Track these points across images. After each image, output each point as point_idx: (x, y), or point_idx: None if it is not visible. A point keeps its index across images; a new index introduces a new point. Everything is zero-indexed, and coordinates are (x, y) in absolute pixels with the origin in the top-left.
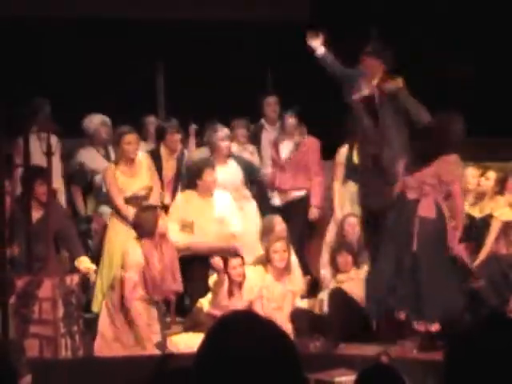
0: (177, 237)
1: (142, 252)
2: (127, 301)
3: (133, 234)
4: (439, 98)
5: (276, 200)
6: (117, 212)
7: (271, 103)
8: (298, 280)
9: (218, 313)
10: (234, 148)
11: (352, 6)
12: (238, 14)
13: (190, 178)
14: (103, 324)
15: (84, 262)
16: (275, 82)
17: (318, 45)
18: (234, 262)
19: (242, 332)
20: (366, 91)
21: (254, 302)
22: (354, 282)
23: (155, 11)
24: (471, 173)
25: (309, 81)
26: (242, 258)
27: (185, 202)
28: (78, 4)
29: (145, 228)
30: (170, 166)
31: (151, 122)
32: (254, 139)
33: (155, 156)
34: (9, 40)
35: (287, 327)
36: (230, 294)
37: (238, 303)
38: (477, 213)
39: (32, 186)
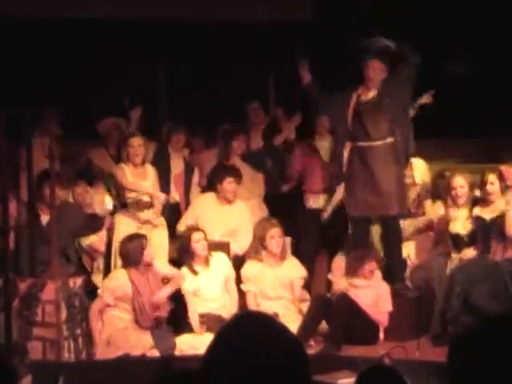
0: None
1: (129, 279)
2: (92, 315)
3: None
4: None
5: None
6: (132, 207)
7: (255, 108)
8: (296, 266)
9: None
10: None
11: (352, 8)
12: (240, 15)
13: (212, 180)
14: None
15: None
16: (277, 84)
17: (307, 73)
18: (196, 235)
19: (252, 333)
20: None
21: (246, 296)
22: (369, 289)
23: (156, 13)
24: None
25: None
26: (204, 232)
27: (202, 205)
28: (79, 6)
29: (131, 257)
30: (176, 164)
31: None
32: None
33: (163, 153)
34: (11, 42)
35: (289, 314)
36: (194, 271)
37: (208, 280)
38: (487, 214)
39: (41, 189)
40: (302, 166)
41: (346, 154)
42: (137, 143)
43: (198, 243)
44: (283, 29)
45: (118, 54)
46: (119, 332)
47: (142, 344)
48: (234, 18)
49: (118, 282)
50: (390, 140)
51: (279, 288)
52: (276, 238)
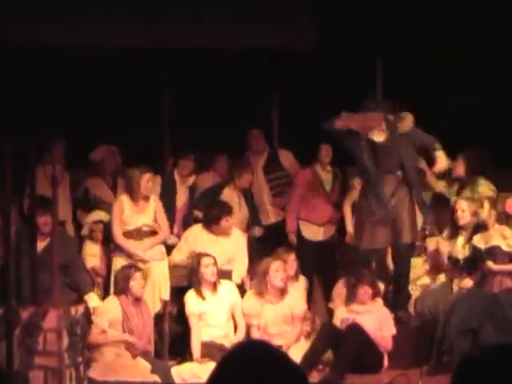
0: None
1: (120, 306)
2: (92, 342)
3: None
4: (444, 127)
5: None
6: (113, 241)
7: (256, 136)
8: (297, 302)
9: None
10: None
11: (358, 35)
12: (244, 42)
13: (207, 219)
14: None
15: (93, 299)
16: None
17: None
18: (206, 260)
19: (254, 363)
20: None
21: (250, 329)
22: (369, 315)
23: (158, 40)
24: (463, 205)
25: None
26: (214, 258)
27: (196, 236)
28: (82, 34)
29: (118, 285)
30: (182, 193)
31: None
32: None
33: (169, 181)
34: (12, 69)
35: (294, 353)
36: (202, 296)
37: (215, 306)
38: (482, 244)
39: (34, 215)
40: (302, 195)
41: (358, 187)
42: (147, 179)
43: (207, 268)
44: (286, 56)
45: (120, 81)
46: (113, 361)
47: (141, 370)
48: (237, 44)
49: (108, 306)
50: (400, 173)
51: (281, 324)
52: (280, 271)
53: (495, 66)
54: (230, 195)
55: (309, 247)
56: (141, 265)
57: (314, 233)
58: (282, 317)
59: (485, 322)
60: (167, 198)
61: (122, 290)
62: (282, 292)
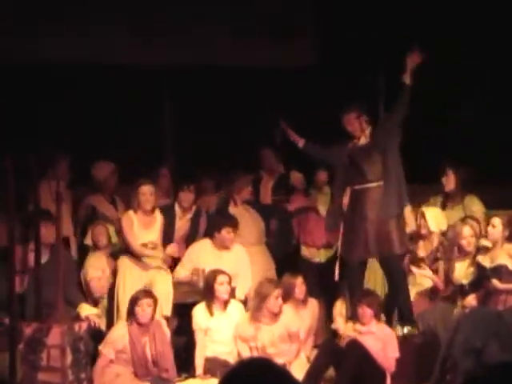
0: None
1: (128, 334)
2: (97, 373)
3: (145, 278)
4: (440, 141)
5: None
6: (135, 255)
7: (267, 155)
8: (292, 320)
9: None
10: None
11: (357, 51)
12: (246, 58)
13: (209, 228)
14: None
15: (85, 309)
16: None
17: (296, 137)
18: (221, 277)
19: (256, 380)
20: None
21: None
22: (372, 336)
23: (163, 56)
24: (469, 231)
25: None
26: (230, 276)
27: (199, 251)
28: (85, 50)
29: (128, 308)
30: (182, 225)
31: (164, 174)
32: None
33: (169, 211)
34: (19, 84)
35: (296, 370)
36: (210, 312)
37: (222, 322)
38: (487, 262)
39: (37, 229)
40: (297, 219)
41: (345, 200)
42: (148, 191)
43: (222, 286)
44: (286, 73)
45: (123, 96)
46: (111, 381)
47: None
48: (241, 62)
49: (116, 334)
50: (382, 183)
51: (279, 344)
52: (280, 298)
53: (492, 78)
54: (235, 213)
55: (309, 267)
56: (144, 280)
57: (313, 255)
58: (278, 337)
59: (489, 340)
60: (165, 230)
61: (131, 314)
62: (277, 314)
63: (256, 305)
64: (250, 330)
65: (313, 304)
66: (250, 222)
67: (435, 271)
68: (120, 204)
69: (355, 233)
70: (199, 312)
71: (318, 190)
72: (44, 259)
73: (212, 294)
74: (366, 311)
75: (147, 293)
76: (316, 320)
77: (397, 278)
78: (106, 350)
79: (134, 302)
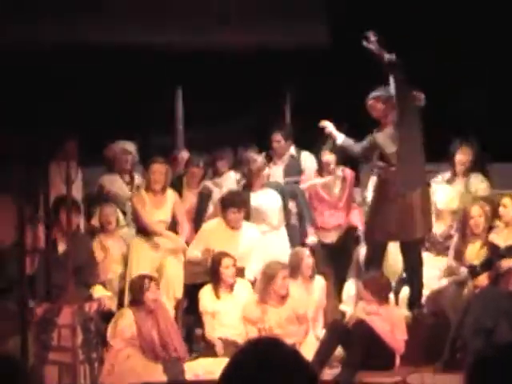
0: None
1: (134, 320)
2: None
3: (156, 261)
4: (451, 127)
5: (326, 237)
6: (148, 233)
7: (278, 139)
8: (299, 302)
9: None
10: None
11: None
12: (259, 40)
13: (220, 206)
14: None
15: (98, 290)
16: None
17: (337, 133)
18: (226, 260)
19: (266, 359)
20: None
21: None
22: (379, 317)
23: (173, 38)
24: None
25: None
26: (235, 259)
27: (211, 231)
28: (94, 31)
29: (134, 295)
30: (188, 199)
31: (174, 159)
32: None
33: (178, 184)
34: (27, 68)
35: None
36: (217, 295)
37: (229, 305)
38: (501, 242)
39: (58, 215)
40: (309, 202)
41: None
42: (158, 170)
43: (227, 269)
44: (298, 55)
45: (135, 78)
46: (123, 362)
47: (149, 372)
48: (254, 44)
49: (124, 324)
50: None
51: (286, 325)
52: (287, 280)
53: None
54: (255, 197)
55: (322, 248)
56: (156, 262)
57: (325, 236)
58: (286, 319)
59: (500, 319)
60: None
61: (136, 300)
62: (284, 297)
63: (263, 286)
64: (256, 312)
65: (320, 281)
66: (271, 205)
67: (447, 248)
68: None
69: (378, 215)
70: (206, 295)
71: (326, 169)
72: (64, 245)
73: (218, 277)
74: (365, 291)
75: (151, 277)
76: (325, 298)
77: (414, 262)
78: (114, 341)
79: (141, 288)
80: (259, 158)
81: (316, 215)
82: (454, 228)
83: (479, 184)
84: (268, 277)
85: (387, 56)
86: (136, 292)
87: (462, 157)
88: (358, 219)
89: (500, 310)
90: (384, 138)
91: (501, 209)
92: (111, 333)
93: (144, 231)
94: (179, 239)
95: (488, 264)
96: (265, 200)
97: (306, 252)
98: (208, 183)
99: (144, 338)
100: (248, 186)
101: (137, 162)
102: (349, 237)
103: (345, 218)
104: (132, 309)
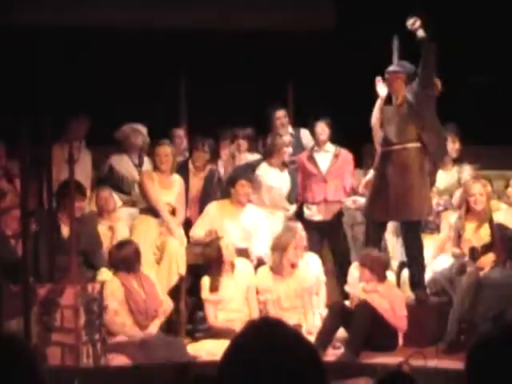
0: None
1: (120, 282)
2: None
3: (159, 238)
4: (455, 107)
5: (315, 214)
6: (155, 211)
7: (280, 117)
8: (306, 275)
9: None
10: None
11: (377, 15)
12: (263, 22)
13: (227, 184)
14: None
15: (102, 273)
16: (298, 91)
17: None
18: (224, 242)
19: (268, 340)
20: None
21: (266, 304)
22: (378, 295)
23: (178, 20)
24: (479, 188)
25: (334, 90)
26: (232, 240)
27: (216, 211)
28: (98, 15)
29: (127, 264)
30: (195, 183)
31: (178, 135)
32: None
33: (184, 169)
34: (36, 50)
35: (306, 325)
36: (219, 284)
37: (231, 291)
38: (509, 223)
39: (62, 199)
40: (301, 177)
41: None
42: (163, 152)
43: (227, 250)
44: (308, 37)
45: (138, 62)
46: (120, 329)
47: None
48: (256, 25)
49: (112, 287)
50: (415, 145)
51: (294, 298)
52: (299, 247)
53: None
54: (266, 170)
55: (310, 227)
56: (158, 240)
57: (313, 212)
58: (294, 290)
59: (510, 302)
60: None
61: (128, 268)
62: (293, 266)
63: (276, 257)
64: (268, 282)
65: (315, 258)
66: (287, 185)
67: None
68: (146, 165)
69: (377, 194)
70: (207, 284)
71: (317, 144)
72: (67, 230)
73: (220, 262)
74: (362, 268)
75: (129, 241)
76: (323, 273)
77: (414, 243)
78: (110, 301)
79: (137, 255)
80: (285, 135)
81: (307, 191)
82: (442, 204)
83: (468, 172)
84: (281, 247)
85: (420, 33)
86: (132, 260)
87: (450, 145)
88: (342, 194)
89: (510, 292)
90: (392, 114)
91: (509, 190)
92: (105, 296)
93: (148, 211)
94: (178, 230)
95: (494, 245)
96: (280, 181)
97: (299, 226)
98: (214, 167)
99: (135, 300)
100: (267, 160)
101: (147, 144)
102: (338, 214)
103: (332, 194)
104: (117, 275)
